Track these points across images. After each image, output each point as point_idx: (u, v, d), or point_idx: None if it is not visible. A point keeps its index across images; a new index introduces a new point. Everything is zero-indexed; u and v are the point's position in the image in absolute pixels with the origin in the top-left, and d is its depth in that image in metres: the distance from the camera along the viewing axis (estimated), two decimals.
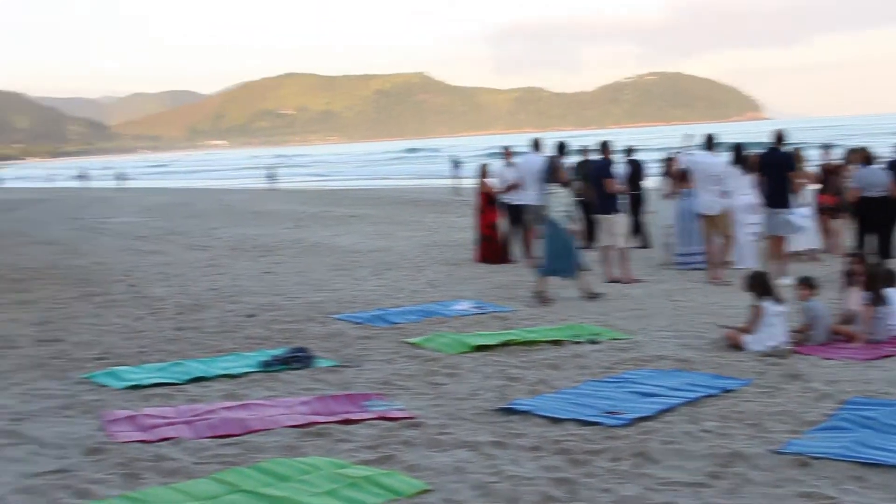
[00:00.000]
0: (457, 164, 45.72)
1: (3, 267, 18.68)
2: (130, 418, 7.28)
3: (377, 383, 8.55)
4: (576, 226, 13.40)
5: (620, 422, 7.01)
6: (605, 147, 15.59)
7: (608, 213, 15.00)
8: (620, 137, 18.91)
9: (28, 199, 52.99)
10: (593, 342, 10.14)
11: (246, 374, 8.94)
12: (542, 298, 12.89)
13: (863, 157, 15.61)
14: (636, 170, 19.43)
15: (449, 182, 44.26)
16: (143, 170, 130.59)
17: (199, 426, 7.08)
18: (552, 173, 13.38)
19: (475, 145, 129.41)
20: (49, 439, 6.84)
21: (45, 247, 23.24)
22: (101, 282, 16.06)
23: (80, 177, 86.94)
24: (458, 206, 30.88)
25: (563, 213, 13.06)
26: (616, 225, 14.99)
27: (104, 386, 8.56)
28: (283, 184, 60.76)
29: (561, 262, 13.01)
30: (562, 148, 15.16)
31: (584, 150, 18.53)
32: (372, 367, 9.26)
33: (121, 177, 71.43)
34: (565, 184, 13.31)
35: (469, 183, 29.29)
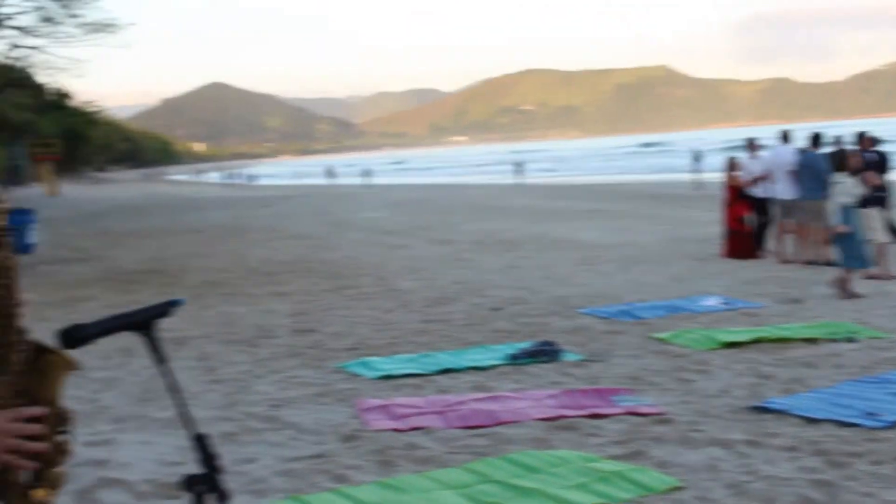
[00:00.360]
0: (697, 157, 44.73)
1: (259, 261, 19.57)
2: (383, 407, 7.47)
3: (625, 378, 8.44)
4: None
5: (882, 424, 6.64)
6: (862, 139, 14.85)
7: (865, 206, 14.28)
8: (872, 128, 17.88)
9: (280, 196, 55.36)
10: (850, 341, 9.64)
11: (494, 366, 9.00)
12: (845, 291, 12.32)
13: None
14: (882, 161, 18.40)
15: (689, 176, 43.33)
16: (386, 166, 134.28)
17: (450, 416, 7.18)
18: (840, 162, 12.84)
19: (716, 138, 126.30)
20: (307, 425, 7.11)
21: (297, 241, 24.16)
22: (352, 275, 16.57)
23: (328, 174, 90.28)
24: (701, 201, 30.16)
25: (851, 203, 12.53)
26: (873, 219, 14.25)
27: (357, 375, 8.81)
28: (525, 179, 61.13)
29: (857, 251, 12.51)
30: (816, 139, 14.55)
31: (837, 142, 17.72)
32: (619, 362, 9.14)
33: (366, 173, 73.59)
34: (855, 172, 12.75)
35: (711, 177, 28.54)
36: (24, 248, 18.02)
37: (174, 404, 2.42)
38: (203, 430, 2.39)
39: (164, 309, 2.44)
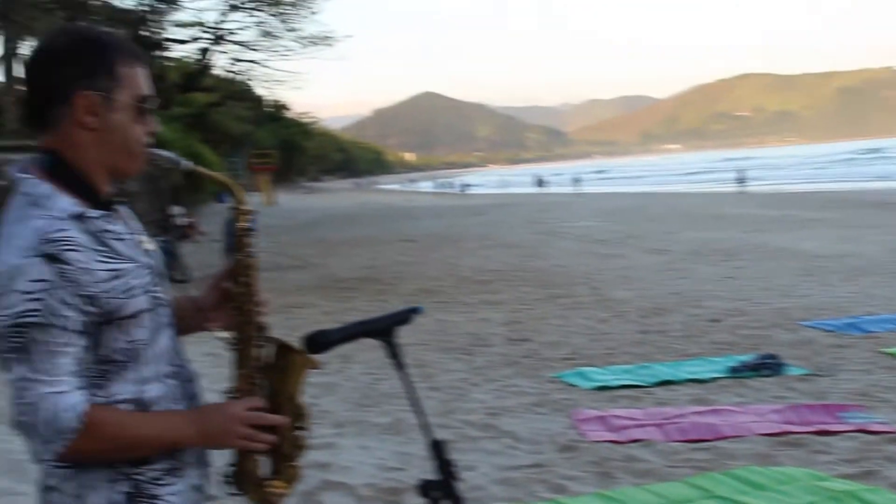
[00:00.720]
0: None
1: (471, 269, 19.75)
2: (600, 418, 7.37)
3: (854, 394, 8.04)
4: None
5: None
6: None
7: None
8: None
9: (490, 205, 55.80)
10: None
11: (714, 379, 8.77)
12: None
13: None
14: None
15: None
16: (596, 175, 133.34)
17: (669, 429, 7.02)
18: None
19: None
20: (524, 434, 7.08)
21: (508, 249, 24.28)
22: (565, 284, 16.51)
23: (539, 182, 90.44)
24: None
25: None
26: None
27: (573, 385, 8.74)
28: (740, 187, 59.53)
29: None
30: None
31: None
32: (847, 377, 8.73)
33: (577, 182, 73.33)
34: None
35: None
36: None
37: (412, 411, 2.43)
38: (429, 437, 2.38)
39: (405, 316, 2.47)
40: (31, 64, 2.05)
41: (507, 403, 8.16)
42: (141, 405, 2.01)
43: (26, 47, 43.96)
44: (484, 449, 6.71)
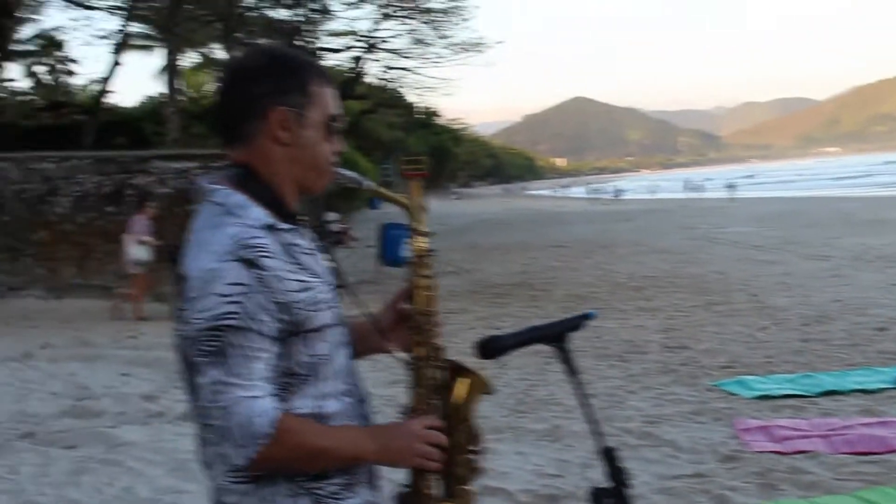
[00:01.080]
0: None
1: (625, 275, 19.55)
2: (763, 428, 7.22)
3: None
4: None
5: None
6: None
7: None
8: None
9: (642, 210, 55.21)
10: None
11: (881, 389, 8.45)
12: None
13: None
14: None
15: None
16: (751, 179, 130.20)
17: (836, 441, 6.82)
18: None
19: None
20: (683, 443, 6.99)
21: (663, 255, 23.94)
22: (721, 291, 16.20)
23: (691, 187, 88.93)
24: None
25: None
26: None
27: (733, 394, 8.57)
28: None
29: None
30: None
31: None
32: None
33: (731, 186, 71.78)
34: None
35: None
36: (401, 261, 18.94)
37: (585, 417, 2.44)
38: (600, 444, 2.38)
39: (578, 322, 2.47)
40: (228, 79, 2.13)
41: (666, 412, 8.06)
42: (319, 420, 2.04)
43: (186, 60, 45.62)
44: (643, 457, 6.64)
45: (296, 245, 2.05)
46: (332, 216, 26.26)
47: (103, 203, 17.77)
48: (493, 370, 9.73)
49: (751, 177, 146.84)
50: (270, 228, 1.99)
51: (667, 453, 6.78)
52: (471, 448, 2.21)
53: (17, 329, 14.49)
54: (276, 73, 2.08)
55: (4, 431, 7.84)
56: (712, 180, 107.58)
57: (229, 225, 1.95)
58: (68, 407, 8.79)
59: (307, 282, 2.00)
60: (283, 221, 2.05)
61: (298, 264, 2.01)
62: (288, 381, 1.99)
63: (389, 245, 18.32)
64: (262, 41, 42.96)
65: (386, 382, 9.12)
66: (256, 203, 2.03)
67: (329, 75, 2.19)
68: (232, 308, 1.88)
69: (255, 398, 1.89)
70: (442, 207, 67.47)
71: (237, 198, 2.01)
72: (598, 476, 2.39)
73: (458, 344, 11.22)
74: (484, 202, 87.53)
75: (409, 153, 78.09)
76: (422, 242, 2.34)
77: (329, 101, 2.15)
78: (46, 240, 18.06)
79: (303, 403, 2.01)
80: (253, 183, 2.06)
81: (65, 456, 7.08)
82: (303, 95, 2.09)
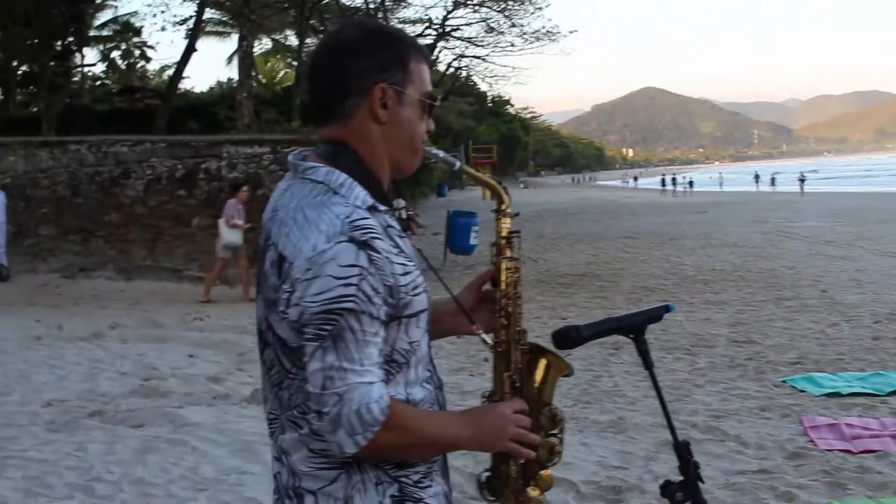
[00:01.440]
0: None
1: (693, 268, 19.37)
2: (831, 426, 7.09)
3: None
4: None
5: None
6: None
7: None
8: None
9: (712, 202, 54.59)
10: None
11: None
12: None
13: None
14: None
15: None
16: (823, 173, 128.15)
17: None
18: None
19: None
20: (749, 438, 6.90)
21: (732, 249, 23.67)
22: (791, 286, 15.97)
23: (763, 180, 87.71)
24: None
25: None
26: None
27: (802, 391, 8.44)
28: None
29: None
30: None
31: None
32: None
33: (803, 180, 70.66)
34: None
35: None
36: (468, 249, 18.95)
37: (662, 410, 2.40)
38: (674, 438, 2.33)
39: (659, 314, 2.44)
40: (324, 55, 2.06)
41: (732, 406, 7.96)
42: None
43: (259, 46, 46.00)
44: (709, 452, 6.55)
45: (392, 227, 1.99)
46: (399, 202, 26.29)
47: (175, 186, 17.98)
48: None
49: (830, 170, 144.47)
50: (372, 209, 1.93)
51: (732, 448, 6.70)
52: (551, 432, 2.18)
53: (87, 309, 14.74)
54: (377, 48, 2.02)
55: (73, 409, 7.97)
56: (783, 173, 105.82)
57: (335, 204, 1.89)
58: (136, 387, 8.92)
59: (406, 265, 1.94)
60: (380, 202, 1.98)
61: (398, 247, 1.95)
62: (387, 367, 1.93)
63: (456, 233, 18.33)
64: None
65: (449, 370, 9.14)
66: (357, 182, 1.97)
67: (427, 52, 2.13)
68: (349, 291, 1.81)
69: (370, 384, 1.83)
70: (512, 197, 67.32)
71: (340, 176, 1.94)
72: (663, 468, 2.35)
73: None
74: (552, 191, 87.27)
75: (479, 141, 78.12)
76: (507, 224, 2.28)
77: (427, 78, 2.09)
78: (118, 222, 18.33)
79: (395, 391, 1.95)
80: (352, 162, 1.99)
81: (132, 435, 7.19)
82: (403, 72, 2.02)
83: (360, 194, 1.93)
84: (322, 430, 1.87)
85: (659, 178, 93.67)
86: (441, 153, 2.27)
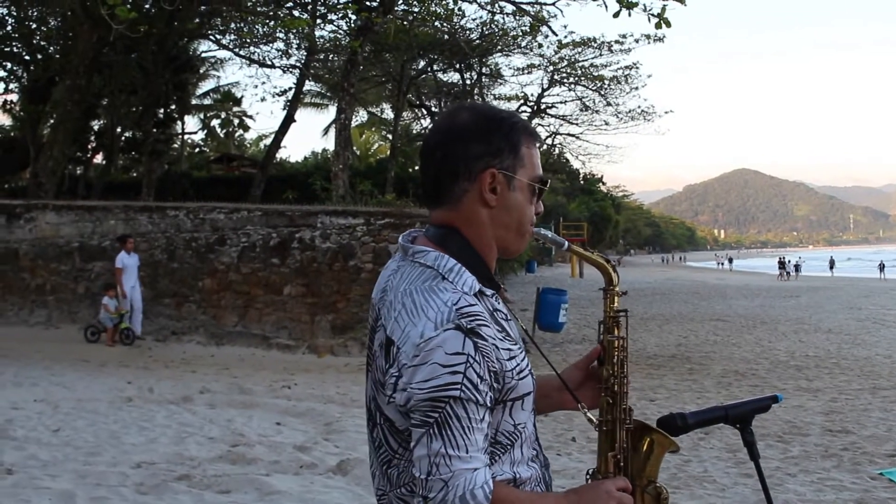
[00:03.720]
0: None
1: (786, 353, 18.99)
2: None
3: None
4: None
5: None
6: None
7: None
8: None
9: (807, 287, 53.64)
10: None
11: None
12: None
13: None
14: None
15: None
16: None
17: None
18: None
19: None
20: None
21: (826, 335, 23.18)
22: (888, 375, 15.54)
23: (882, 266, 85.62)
24: None
25: None
26: None
27: None
28: None
29: None
30: None
31: None
32: None
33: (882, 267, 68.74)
34: None
35: None
36: (557, 327, 18.84)
37: (766, 500, 2.37)
38: None
39: (767, 404, 2.41)
40: (437, 139, 2.08)
41: (827, 498, 7.73)
42: (517, 485, 2.01)
43: (355, 118, 46.81)
44: None
45: (499, 311, 2.02)
46: None
47: (268, 254, 18.25)
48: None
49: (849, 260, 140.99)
50: (480, 294, 1.96)
51: None
52: None
53: (177, 373, 14.95)
54: (489, 133, 2.04)
55: (162, 472, 8.05)
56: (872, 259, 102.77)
57: (443, 291, 1.92)
58: (224, 452, 8.98)
59: (512, 349, 1.96)
60: (486, 286, 2.01)
61: (504, 331, 1.98)
62: (492, 449, 1.96)
63: (545, 310, 18.22)
64: (433, 102, 43.93)
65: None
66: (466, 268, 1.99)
67: (538, 136, 2.16)
68: (455, 378, 1.83)
69: (475, 470, 1.84)
70: (599, 275, 66.94)
71: (449, 262, 1.98)
72: None
73: None
74: (642, 270, 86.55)
75: (570, 218, 78.05)
76: (616, 303, 2.34)
77: (537, 162, 2.12)
78: (211, 287, 18.63)
79: (502, 470, 1.98)
80: (460, 246, 2.02)
81: (219, 501, 7.22)
82: (514, 157, 2.05)
83: (469, 280, 1.96)
84: None
85: (759, 261, 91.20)
86: (550, 234, 2.32)
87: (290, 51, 32.07)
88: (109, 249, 19.53)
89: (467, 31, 34.45)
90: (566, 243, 2.38)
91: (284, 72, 33.63)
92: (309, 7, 28.20)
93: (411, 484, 1.96)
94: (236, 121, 59.32)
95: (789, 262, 75.09)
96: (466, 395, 1.83)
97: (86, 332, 18.25)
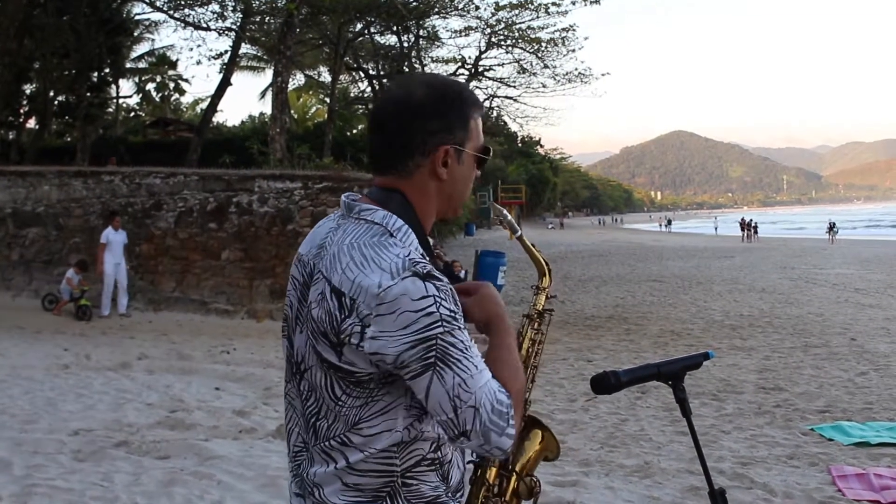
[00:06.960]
0: None
1: (721, 313, 19.27)
2: (860, 476, 7.03)
3: None
4: None
5: None
6: None
7: None
8: None
9: (740, 248, 54.35)
10: None
11: None
12: None
13: None
14: None
15: None
16: (853, 220, 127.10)
17: None
18: None
19: None
20: (777, 487, 6.84)
21: (760, 294, 23.56)
22: (819, 333, 15.87)
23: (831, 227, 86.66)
24: None
25: None
26: None
27: (830, 440, 8.39)
28: None
29: None
30: None
31: None
32: None
33: (831, 227, 69.96)
34: None
35: None
36: (496, 288, 18.94)
37: (698, 456, 2.42)
38: (710, 485, 2.34)
39: (698, 361, 2.46)
40: (390, 113, 2.08)
41: (759, 454, 7.91)
42: (438, 446, 2.04)
43: (293, 81, 46.38)
44: (736, 499, 6.49)
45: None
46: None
47: (206, 219, 18.09)
48: (584, 403, 9.68)
49: (860, 218, 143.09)
50: (422, 257, 1.98)
51: (760, 496, 6.64)
52: (524, 499, 2.27)
53: (115, 339, 14.82)
54: (445, 110, 2.06)
55: (100, 439, 8.00)
56: (810, 219, 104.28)
57: (393, 245, 1.94)
58: (162, 418, 8.95)
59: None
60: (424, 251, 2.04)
61: None
62: (418, 410, 1.99)
63: (484, 272, 18.29)
64: (370, 65, 43.66)
65: None
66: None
67: (482, 105, 2.18)
68: (432, 318, 1.85)
69: (487, 381, 1.91)
70: (537, 237, 67.20)
71: (397, 221, 2.00)
72: None
73: (549, 374, 11.20)
74: (579, 233, 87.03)
75: (508, 181, 78.27)
76: (544, 300, 2.38)
77: (481, 132, 2.15)
78: (148, 253, 18.44)
79: (426, 428, 2.03)
80: (403, 209, 2.04)
81: (157, 466, 7.20)
82: (464, 131, 2.08)
83: (415, 242, 2.00)
84: (472, 446, 1.94)
85: (695, 222, 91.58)
86: (510, 216, 2.40)
87: (225, 13, 31.59)
88: (43, 215, 19.23)
89: None
90: (520, 230, 2.46)
91: (220, 34, 33.06)
92: None
93: (342, 436, 1.97)
94: (172, 84, 58.45)
95: (752, 221, 75.15)
96: (448, 326, 1.86)
97: (43, 300, 18.05)
